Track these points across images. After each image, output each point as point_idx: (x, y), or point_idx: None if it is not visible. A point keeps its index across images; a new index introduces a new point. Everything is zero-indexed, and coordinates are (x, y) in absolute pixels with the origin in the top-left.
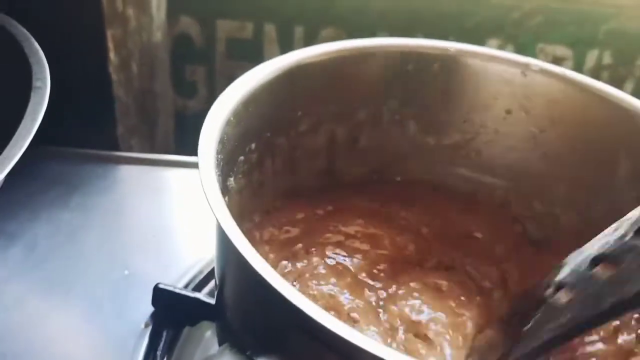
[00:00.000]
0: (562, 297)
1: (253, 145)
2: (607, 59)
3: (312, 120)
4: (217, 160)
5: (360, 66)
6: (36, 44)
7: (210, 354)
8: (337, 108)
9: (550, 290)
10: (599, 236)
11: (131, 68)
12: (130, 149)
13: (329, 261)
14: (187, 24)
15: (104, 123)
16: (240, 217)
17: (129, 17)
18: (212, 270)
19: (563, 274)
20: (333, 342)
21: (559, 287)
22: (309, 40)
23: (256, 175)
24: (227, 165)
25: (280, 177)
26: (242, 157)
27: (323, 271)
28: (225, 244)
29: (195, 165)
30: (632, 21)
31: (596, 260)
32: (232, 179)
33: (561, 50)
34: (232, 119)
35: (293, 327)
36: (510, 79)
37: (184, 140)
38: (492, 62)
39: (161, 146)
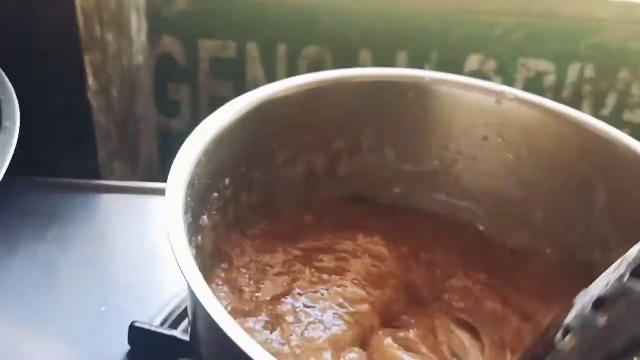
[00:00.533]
0: (569, 342)
1: (227, 181)
2: (589, 72)
3: (288, 152)
4: (187, 203)
5: (334, 97)
6: (7, 81)
7: None
8: (313, 139)
9: (559, 335)
10: (605, 273)
11: (111, 93)
12: (112, 174)
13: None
14: (170, 44)
15: (84, 150)
16: (216, 253)
17: (108, 42)
18: None
19: (570, 317)
20: None
21: (567, 331)
22: (292, 59)
23: (231, 211)
24: (199, 205)
25: (258, 211)
26: (216, 194)
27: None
28: (195, 302)
29: None
30: (613, 35)
31: (598, 303)
32: (205, 216)
33: (543, 65)
34: (203, 158)
35: None
36: (486, 107)
37: (168, 162)
38: (467, 90)
39: (145, 168)
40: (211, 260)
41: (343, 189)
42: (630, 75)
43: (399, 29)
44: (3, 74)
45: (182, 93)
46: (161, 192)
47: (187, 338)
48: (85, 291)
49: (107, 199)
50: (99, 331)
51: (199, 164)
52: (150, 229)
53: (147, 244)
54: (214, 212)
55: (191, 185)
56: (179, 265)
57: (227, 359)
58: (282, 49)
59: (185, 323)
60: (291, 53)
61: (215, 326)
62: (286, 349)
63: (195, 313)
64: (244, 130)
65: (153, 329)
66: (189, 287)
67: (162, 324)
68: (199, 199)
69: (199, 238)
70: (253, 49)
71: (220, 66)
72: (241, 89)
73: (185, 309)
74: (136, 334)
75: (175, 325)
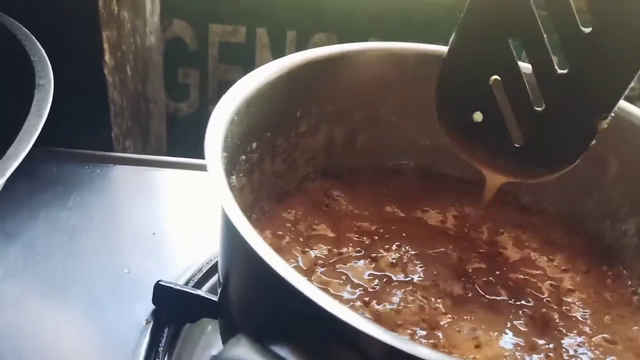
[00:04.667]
0: None
1: (254, 145)
2: None
3: (310, 120)
4: (222, 158)
5: (358, 68)
6: (38, 43)
7: (228, 343)
8: (335, 109)
9: None
10: None
11: (126, 71)
12: (124, 151)
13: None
14: (181, 28)
15: (99, 125)
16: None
17: (123, 20)
18: (212, 268)
19: None
20: (346, 332)
21: None
22: (301, 45)
23: (256, 175)
24: (229, 164)
25: (279, 178)
26: (243, 157)
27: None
28: (233, 238)
29: (187, 167)
30: None
31: None
32: (234, 177)
33: None
34: (235, 118)
35: (303, 318)
36: None
37: (176, 144)
38: None
39: (154, 149)
40: None
41: (361, 160)
42: None
43: (406, 17)
44: (34, 38)
45: (191, 77)
46: (171, 165)
47: (212, 297)
48: (108, 255)
49: (124, 170)
50: (123, 293)
51: (232, 122)
52: (161, 199)
53: (160, 213)
54: (241, 174)
55: (225, 139)
56: (217, 193)
57: (268, 301)
58: (291, 35)
59: (208, 284)
60: (300, 39)
61: (254, 256)
62: None
63: (232, 252)
64: (271, 95)
65: (178, 287)
66: (226, 220)
67: (185, 285)
68: (229, 157)
69: None
70: (262, 35)
71: (229, 51)
72: None
73: (208, 272)
74: (161, 292)
75: (198, 286)
